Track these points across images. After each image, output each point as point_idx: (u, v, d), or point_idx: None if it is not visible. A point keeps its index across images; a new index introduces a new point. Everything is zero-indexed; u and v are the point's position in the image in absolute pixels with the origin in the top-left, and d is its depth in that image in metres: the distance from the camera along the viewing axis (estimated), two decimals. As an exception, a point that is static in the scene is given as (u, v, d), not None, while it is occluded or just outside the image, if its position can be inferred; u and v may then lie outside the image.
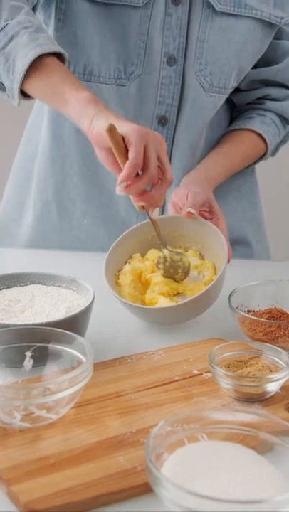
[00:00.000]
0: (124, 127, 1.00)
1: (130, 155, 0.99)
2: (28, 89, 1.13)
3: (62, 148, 1.39)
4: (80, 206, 1.41)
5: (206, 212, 1.20)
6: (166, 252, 1.10)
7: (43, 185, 1.42)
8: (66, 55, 1.13)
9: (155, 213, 1.08)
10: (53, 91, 1.09)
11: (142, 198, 1.04)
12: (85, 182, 1.38)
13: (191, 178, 1.29)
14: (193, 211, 1.13)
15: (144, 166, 1.01)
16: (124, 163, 1.00)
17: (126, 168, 1.00)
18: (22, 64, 1.09)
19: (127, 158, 1.00)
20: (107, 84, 1.31)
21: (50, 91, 1.10)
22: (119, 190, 1.02)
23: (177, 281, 1.10)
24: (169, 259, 1.10)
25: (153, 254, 1.13)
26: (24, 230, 1.46)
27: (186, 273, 1.11)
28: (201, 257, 1.15)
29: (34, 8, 1.26)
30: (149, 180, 1.02)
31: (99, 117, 1.02)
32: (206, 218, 1.17)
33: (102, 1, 1.25)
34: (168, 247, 1.11)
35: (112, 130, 0.99)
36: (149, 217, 1.09)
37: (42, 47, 1.09)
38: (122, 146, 1.00)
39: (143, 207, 1.05)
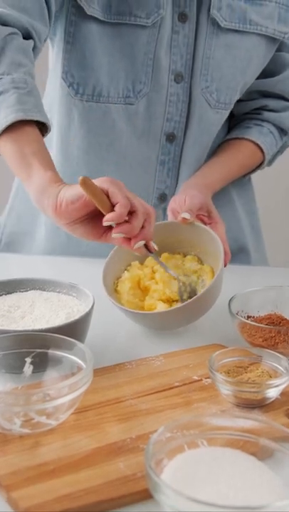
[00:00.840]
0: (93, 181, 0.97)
1: (117, 198, 0.95)
2: None
3: (70, 168, 1.39)
4: None
5: (205, 216, 1.20)
6: (182, 278, 1.11)
7: None
8: (49, 124, 1.10)
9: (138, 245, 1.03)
10: (21, 161, 1.05)
11: (137, 238, 0.99)
12: None
13: (188, 184, 1.30)
14: (188, 216, 1.13)
15: (130, 208, 0.97)
16: (108, 209, 0.96)
17: (119, 208, 0.95)
18: (0, 123, 1.07)
19: (110, 204, 0.96)
20: (116, 103, 1.31)
21: (18, 159, 1.06)
22: (116, 232, 0.97)
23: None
24: (188, 287, 1.10)
25: (151, 261, 1.13)
26: (37, 243, 1.46)
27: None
28: (200, 261, 1.15)
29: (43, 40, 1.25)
30: (144, 214, 0.98)
31: (64, 190, 0.98)
32: (204, 223, 1.17)
33: (111, 22, 1.25)
34: (180, 275, 1.12)
35: (86, 182, 0.94)
36: (156, 259, 1.08)
37: (25, 113, 1.06)
38: (100, 193, 0.96)
39: (145, 246, 1.02)
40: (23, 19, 1.16)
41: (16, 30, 1.15)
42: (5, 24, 1.15)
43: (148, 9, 1.25)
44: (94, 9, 1.25)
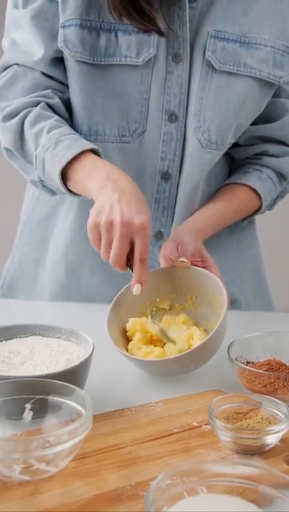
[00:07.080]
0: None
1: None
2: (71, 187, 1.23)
3: (65, 205, 1.41)
4: (87, 266, 1.42)
5: (198, 261, 1.21)
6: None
7: (54, 245, 1.44)
8: (95, 148, 1.20)
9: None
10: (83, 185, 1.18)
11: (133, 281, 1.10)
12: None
13: (178, 231, 1.30)
14: (185, 260, 1.15)
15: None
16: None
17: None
18: (60, 183, 1.21)
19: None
20: (112, 142, 1.33)
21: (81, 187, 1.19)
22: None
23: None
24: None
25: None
26: (38, 287, 1.48)
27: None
28: (194, 322, 1.16)
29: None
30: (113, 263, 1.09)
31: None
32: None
33: (100, 63, 1.27)
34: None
35: None
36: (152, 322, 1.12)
37: (61, 162, 1.19)
38: None
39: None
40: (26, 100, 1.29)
41: (25, 112, 1.28)
42: (14, 116, 1.29)
43: (137, 49, 1.26)
44: (79, 53, 1.26)
